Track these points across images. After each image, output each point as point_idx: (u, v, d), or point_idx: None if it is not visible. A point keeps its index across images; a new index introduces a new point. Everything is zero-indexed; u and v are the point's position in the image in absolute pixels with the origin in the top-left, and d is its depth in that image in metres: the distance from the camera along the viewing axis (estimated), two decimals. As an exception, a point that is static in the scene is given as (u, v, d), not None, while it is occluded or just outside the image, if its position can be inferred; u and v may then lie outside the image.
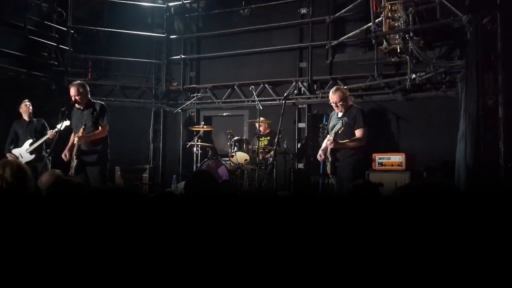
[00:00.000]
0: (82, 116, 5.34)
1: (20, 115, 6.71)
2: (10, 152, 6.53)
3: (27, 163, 6.42)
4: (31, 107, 6.69)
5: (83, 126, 5.17)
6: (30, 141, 6.52)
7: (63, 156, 5.36)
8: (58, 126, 5.82)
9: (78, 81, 5.48)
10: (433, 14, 5.96)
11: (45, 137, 6.40)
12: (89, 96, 5.45)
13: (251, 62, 9.09)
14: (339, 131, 4.97)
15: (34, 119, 6.71)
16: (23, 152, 6.53)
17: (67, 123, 5.70)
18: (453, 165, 5.64)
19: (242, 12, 9.14)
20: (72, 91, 5.29)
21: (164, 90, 9.64)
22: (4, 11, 7.57)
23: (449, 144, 6.11)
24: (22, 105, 6.66)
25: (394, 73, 7.37)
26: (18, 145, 6.60)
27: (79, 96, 5.27)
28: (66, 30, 8.61)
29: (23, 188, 3.01)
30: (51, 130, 6.29)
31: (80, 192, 2.40)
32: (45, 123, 6.76)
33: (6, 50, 7.55)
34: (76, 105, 5.35)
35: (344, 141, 4.99)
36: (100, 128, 5.32)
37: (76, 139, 5.17)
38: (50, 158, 6.48)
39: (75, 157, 5.17)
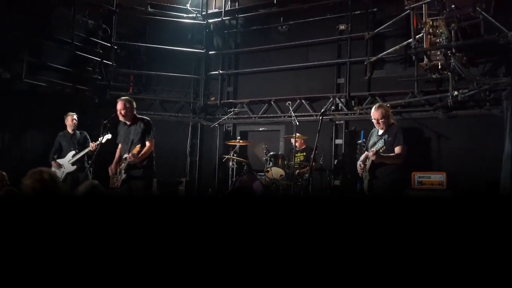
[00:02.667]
0: (129, 132, 5.45)
1: (65, 127, 6.95)
2: (54, 160, 6.78)
3: (68, 173, 6.68)
4: (76, 121, 6.92)
5: (139, 145, 5.22)
6: (73, 152, 6.74)
7: (109, 169, 5.49)
8: (100, 139, 6.01)
9: (126, 97, 5.60)
10: (477, 30, 5.80)
11: (87, 149, 6.61)
12: (135, 112, 5.56)
13: (288, 78, 9.12)
14: (381, 150, 4.83)
15: (77, 132, 6.94)
16: (66, 162, 6.76)
17: (108, 136, 5.88)
18: (498, 186, 5.41)
19: (280, 28, 9.24)
20: (119, 105, 5.42)
21: (202, 104, 9.79)
22: (53, 28, 7.94)
23: (494, 164, 5.88)
24: (68, 118, 6.91)
25: (435, 90, 7.19)
26: (61, 156, 6.83)
27: (124, 111, 5.39)
28: (110, 46, 8.93)
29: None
30: (93, 143, 6.50)
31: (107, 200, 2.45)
32: (87, 135, 6.99)
33: (54, 65, 7.90)
34: (122, 119, 5.47)
35: (386, 154, 4.85)
36: (147, 143, 5.41)
37: (128, 156, 5.25)
38: (91, 169, 6.68)
39: (123, 171, 5.29)
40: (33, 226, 2.12)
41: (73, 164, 6.71)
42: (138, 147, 5.18)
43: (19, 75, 7.21)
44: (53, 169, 6.69)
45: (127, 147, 5.36)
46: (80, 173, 6.71)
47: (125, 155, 5.32)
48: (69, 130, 6.91)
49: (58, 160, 6.78)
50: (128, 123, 5.47)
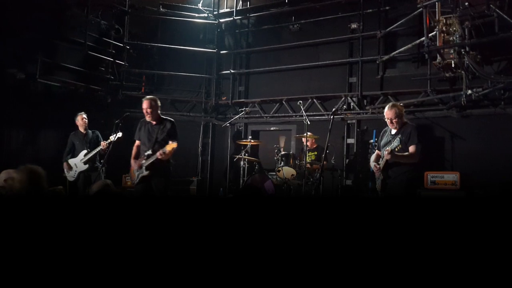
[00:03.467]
0: (153, 130, 5.49)
1: (77, 127, 7.03)
2: (66, 161, 6.85)
3: (81, 172, 6.75)
4: (86, 120, 6.98)
5: (175, 142, 5.27)
6: (85, 151, 6.80)
7: (132, 164, 5.52)
8: (111, 137, 6.06)
9: (151, 96, 5.65)
10: (491, 27, 5.72)
11: (98, 148, 6.66)
12: (159, 110, 5.60)
13: (299, 77, 9.10)
14: (396, 149, 4.77)
15: (90, 131, 7.00)
16: (78, 162, 6.82)
17: (119, 134, 5.93)
18: (512, 186, 5.34)
19: (291, 27, 9.23)
20: (145, 104, 5.46)
21: (214, 104, 9.82)
22: (66, 29, 8.04)
23: (508, 163, 5.80)
24: (78, 118, 6.97)
25: (448, 88, 7.11)
26: (75, 155, 6.90)
27: (150, 109, 5.44)
28: (123, 46, 9.01)
29: (37, 189, 3.17)
30: (104, 141, 6.55)
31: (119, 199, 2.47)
32: (99, 134, 7.04)
33: (67, 65, 8.00)
34: (148, 118, 5.51)
35: (401, 154, 4.80)
36: (171, 143, 5.43)
37: (159, 152, 5.26)
38: (103, 168, 6.74)
39: (144, 168, 5.33)
40: (44, 225, 2.14)
41: (85, 163, 6.77)
42: (175, 144, 5.20)
43: (34, 75, 7.32)
44: (65, 170, 6.82)
45: (149, 145, 5.40)
46: (93, 172, 6.76)
47: (148, 152, 5.35)
48: (81, 129, 6.97)
49: (71, 160, 6.85)
50: (154, 122, 5.51)
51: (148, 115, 5.46)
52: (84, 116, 6.99)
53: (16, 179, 3.19)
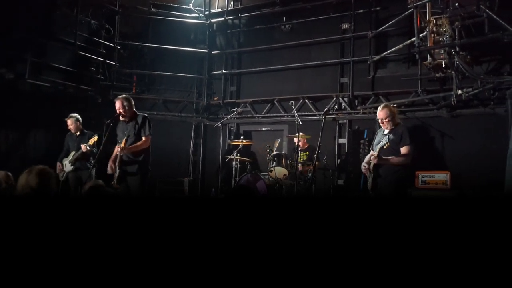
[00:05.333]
0: (126, 128, 5.48)
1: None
2: (60, 162, 6.87)
3: (69, 172, 6.73)
4: (75, 123, 6.91)
5: (125, 137, 5.29)
6: (73, 152, 6.76)
7: (108, 168, 5.49)
8: (90, 141, 6.37)
9: (123, 95, 5.63)
10: (481, 28, 5.76)
11: (79, 151, 6.64)
12: (134, 109, 5.57)
13: (291, 77, 9.11)
14: (385, 147, 4.86)
15: (86, 132, 6.93)
16: (67, 162, 6.84)
17: (95, 138, 6.26)
18: (502, 185, 5.38)
19: (283, 28, 9.23)
20: (117, 104, 5.44)
21: (205, 104, 9.79)
22: (56, 29, 7.95)
23: (498, 163, 5.83)
24: (68, 121, 6.94)
25: (438, 88, 7.15)
26: (68, 155, 6.91)
27: (123, 109, 5.42)
28: (113, 46, 8.94)
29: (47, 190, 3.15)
30: (84, 145, 6.49)
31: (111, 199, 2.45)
32: (93, 136, 6.97)
33: (57, 65, 7.91)
34: (122, 118, 5.49)
35: (388, 157, 4.86)
36: (142, 138, 5.42)
37: (118, 150, 5.30)
38: (94, 168, 6.69)
39: (117, 167, 5.29)
40: (36, 226, 2.12)
41: (71, 164, 6.76)
42: (124, 140, 5.23)
43: (23, 75, 7.22)
44: (57, 170, 6.78)
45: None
46: (83, 172, 6.73)
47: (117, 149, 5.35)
48: (73, 131, 6.93)
49: (64, 160, 6.88)
50: (126, 120, 5.49)
51: (123, 115, 5.43)
52: (71, 119, 6.91)
53: (25, 181, 3.15)
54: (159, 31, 9.64)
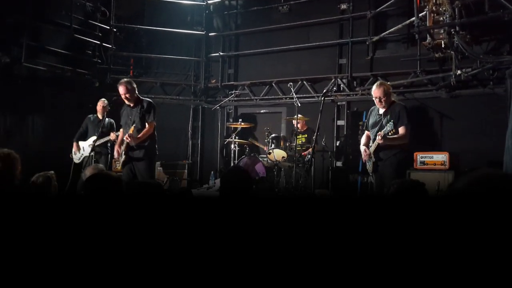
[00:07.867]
0: (132, 113, 5.44)
1: (96, 111, 7.05)
2: (76, 142, 6.92)
3: (86, 156, 6.69)
4: (103, 107, 6.94)
5: (133, 125, 5.23)
6: (94, 137, 6.64)
7: (115, 152, 5.49)
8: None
9: (125, 79, 5.55)
10: (481, 7, 5.70)
11: (107, 138, 6.63)
12: (136, 92, 5.51)
13: (289, 59, 9.04)
14: (389, 134, 4.73)
15: (106, 119, 6.90)
16: (86, 146, 6.86)
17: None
18: (501, 165, 5.39)
19: (281, 8, 9.12)
20: (121, 89, 5.37)
21: (203, 87, 9.73)
22: (51, 11, 7.84)
23: (497, 143, 5.85)
24: (99, 103, 7.01)
25: (437, 69, 7.12)
26: (86, 138, 6.94)
27: (128, 94, 5.36)
28: (109, 28, 8.83)
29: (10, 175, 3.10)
30: (114, 133, 6.44)
31: (116, 185, 2.43)
32: (114, 124, 6.94)
33: (53, 49, 7.83)
34: (127, 102, 5.44)
35: (392, 137, 4.78)
36: (146, 125, 5.39)
37: (126, 137, 5.24)
38: (110, 154, 6.74)
39: (123, 152, 5.29)
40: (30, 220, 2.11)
41: (92, 149, 6.71)
42: (133, 127, 5.19)
43: (19, 59, 7.15)
44: (73, 150, 6.87)
45: (128, 129, 5.35)
46: (100, 157, 6.74)
47: (125, 137, 5.33)
48: (99, 115, 6.98)
49: (81, 142, 6.91)
50: (132, 105, 5.44)
51: (127, 99, 5.39)
52: (105, 103, 6.95)
53: None
54: (155, 13, 9.51)
